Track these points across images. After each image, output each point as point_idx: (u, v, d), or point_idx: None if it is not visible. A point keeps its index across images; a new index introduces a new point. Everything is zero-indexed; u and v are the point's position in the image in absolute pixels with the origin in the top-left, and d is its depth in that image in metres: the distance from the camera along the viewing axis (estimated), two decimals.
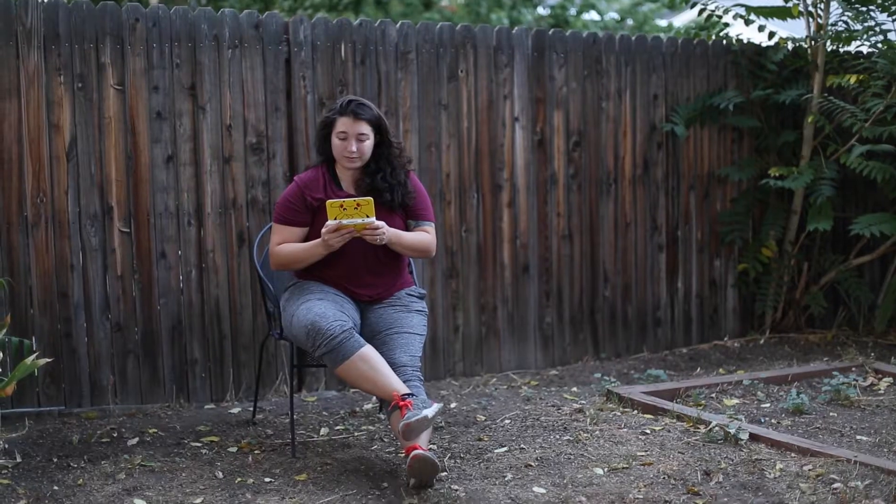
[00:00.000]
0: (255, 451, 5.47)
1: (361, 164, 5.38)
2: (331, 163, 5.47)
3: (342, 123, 5.33)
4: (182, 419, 6.10)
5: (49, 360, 5.51)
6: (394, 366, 5.12)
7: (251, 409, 6.17)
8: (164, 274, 6.39)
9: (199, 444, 5.60)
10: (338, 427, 5.93)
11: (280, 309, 5.48)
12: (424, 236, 5.47)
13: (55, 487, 4.97)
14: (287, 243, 5.37)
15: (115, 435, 5.75)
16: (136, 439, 5.67)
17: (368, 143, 5.35)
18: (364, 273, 5.40)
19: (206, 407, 6.42)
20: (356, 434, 5.80)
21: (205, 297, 6.49)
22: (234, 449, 5.51)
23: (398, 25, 7.03)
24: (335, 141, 5.35)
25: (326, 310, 5.13)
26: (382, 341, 5.26)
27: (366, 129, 5.33)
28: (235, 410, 6.29)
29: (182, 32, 6.39)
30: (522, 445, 5.48)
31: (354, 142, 5.31)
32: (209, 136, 6.48)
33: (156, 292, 6.37)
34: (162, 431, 5.83)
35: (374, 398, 6.40)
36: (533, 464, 5.19)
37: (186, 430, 5.86)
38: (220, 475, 5.12)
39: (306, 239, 5.37)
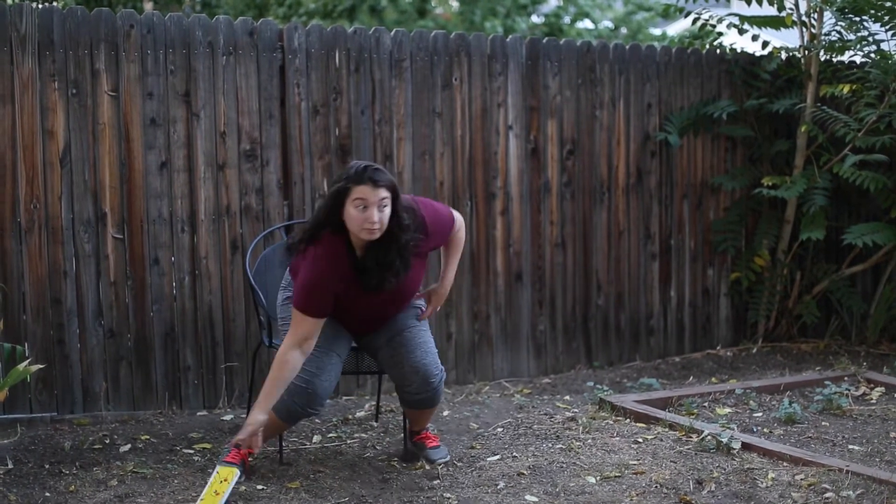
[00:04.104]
0: (248, 459, 5.46)
1: (381, 233, 4.95)
2: (342, 232, 5.04)
3: (360, 192, 4.86)
4: (174, 426, 6.09)
5: (41, 366, 5.49)
6: (420, 369, 5.17)
7: (244, 416, 6.14)
8: (158, 280, 6.38)
9: (191, 451, 5.60)
10: (330, 434, 5.93)
11: (275, 318, 5.45)
12: (459, 244, 5.40)
13: (47, 494, 4.96)
14: (297, 357, 5.01)
15: (107, 441, 5.75)
16: (129, 446, 5.66)
17: (388, 211, 4.93)
18: (378, 325, 5.31)
19: (199, 414, 6.40)
20: (348, 442, 5.80)
21: (198, 304, 6.49)
22: None
23: (392, 33, 7.04)
24: (351, 211, 4.89)
25: (323, 371, 5.15)
26: (400, 343, 5.22)
27: (385, 194, 4.90)
28: (228, 417, 6.28)
29: (177, 39, 6.39)
30: (515, 454, 5.48)
31: (376, 210, 4.87)
32: (203, 142, 6.47)
33: (149, 299, 6.36)
34: (154, 438, 5.82)
35: (368, 406, 6.41)
36: (525, 472, 5.19)
37: (179, 437, 5.85)
38: None
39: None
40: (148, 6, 13.73)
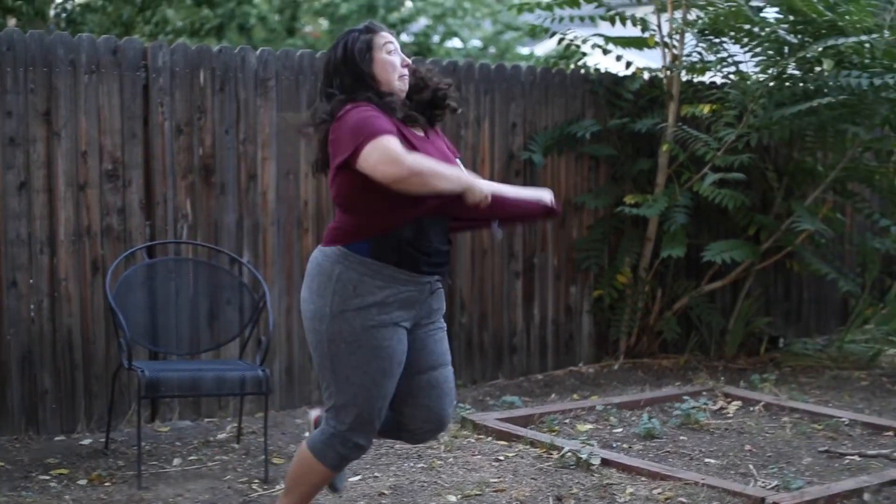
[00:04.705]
0: (106, 484, 5.39)
1: None
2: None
3: (386, 36, 4.31)
4: (31, 451, 5.96)
5: None
6: (441, 421, 4.32)
7: (103, 440, 6.07)
8: (15, 303, 6.25)
9: (47, 477, 5.50)
10: (191, 457, 5.87)
11: (309, 303, 4.32)
12: None
13: None
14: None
15: None
16: None
17: None
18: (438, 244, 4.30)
19: (57, 438, 6.27)
20: (209, 464, 5.75)
21: (56, 327, 6.37)
22: (83, 482, 5.43)
23: (258, 52, 7.02)
24: (384, 58, 4.26)
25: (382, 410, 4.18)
26: (432, 383, 4.27)
27: None
28: (87, 441, 6.17)
29: (38, 57, 6.28)
30: (376, 473, 5.50)
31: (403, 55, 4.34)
32: (64, 162, 6.37)
33: (5, 322, 6.22)
34: (9, 465, 5.70)
35: (230, 428, 6.36)
36: (386, 492, 5.21)
37: (35, 463, 5.74)
38: None
39: None
40: (11, 22, 13.46)
